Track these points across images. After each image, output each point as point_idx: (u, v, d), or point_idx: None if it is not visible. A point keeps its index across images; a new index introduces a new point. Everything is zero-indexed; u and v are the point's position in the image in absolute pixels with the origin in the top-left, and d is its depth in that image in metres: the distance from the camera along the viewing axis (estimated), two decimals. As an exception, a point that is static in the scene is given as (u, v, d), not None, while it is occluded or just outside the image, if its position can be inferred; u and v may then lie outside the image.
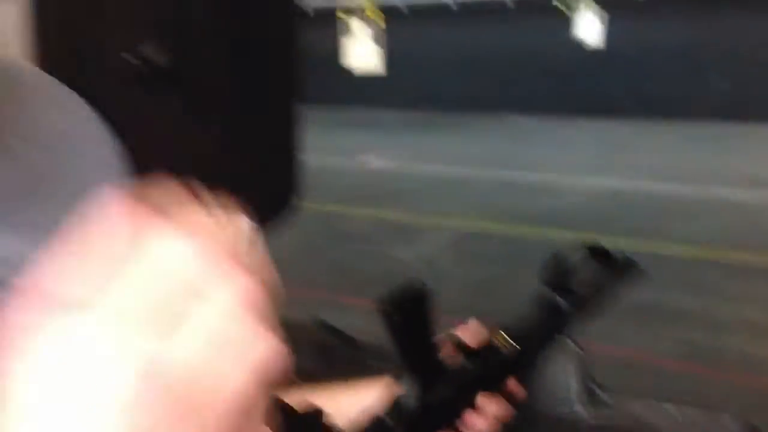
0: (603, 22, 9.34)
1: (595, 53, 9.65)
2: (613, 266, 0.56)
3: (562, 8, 9.57)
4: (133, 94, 1.38)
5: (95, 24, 1.42)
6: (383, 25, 9.30)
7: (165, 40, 1.42)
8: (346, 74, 9.11)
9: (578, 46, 9.58)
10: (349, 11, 9.05)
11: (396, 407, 0.50)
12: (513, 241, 5.45)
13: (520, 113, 10.89)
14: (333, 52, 8.73)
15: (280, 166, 2.09)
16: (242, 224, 0.33)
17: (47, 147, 0.48)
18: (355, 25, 8.39)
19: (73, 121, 0.52)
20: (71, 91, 0.54)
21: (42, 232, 0.35)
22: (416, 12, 10.71)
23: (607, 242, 0.58)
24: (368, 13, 9.27)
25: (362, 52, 9.02)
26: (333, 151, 8.23)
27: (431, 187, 7.32)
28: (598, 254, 0.56)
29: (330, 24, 8.66)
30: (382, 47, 9.29)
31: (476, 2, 10.32)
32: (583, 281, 0.56)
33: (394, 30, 9.07)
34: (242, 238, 0.32)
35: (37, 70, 0.54)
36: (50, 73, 0.51)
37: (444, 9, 10.68)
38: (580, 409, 1.44)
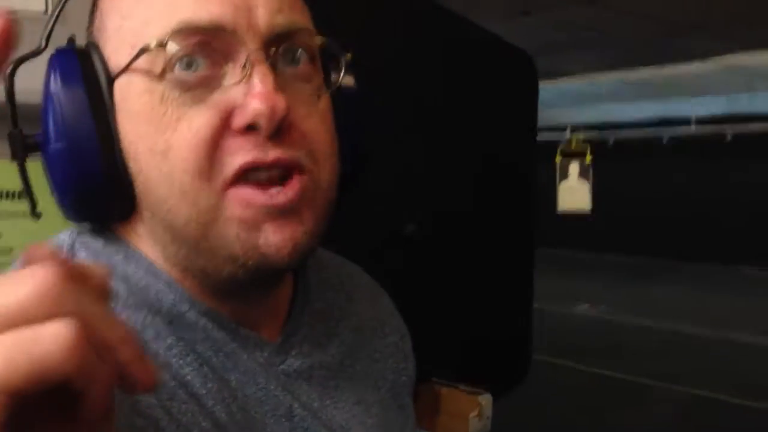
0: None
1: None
2: None
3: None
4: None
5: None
6: (589, 159, 8.91)
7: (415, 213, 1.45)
8: (551, 215, 8.71)
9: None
10: (566, 153, 8.74)
11: None
12: (760, 417, 4.61)
13: (750, 265, 9.84)
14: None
15: (518, 327, 1.83)
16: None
17: (360, 329, 0.66)
18: (572, 168, 8.00)
19: (378, 310, 0.71)
20: (376, 283, 0.74)
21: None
22: (626, 145, 10.22)
23: None
24: (574, 147, 8.94)
25: (568, 189, 8.62)
26: (544, 297, 7.78)
27: (654, 343, 6.59)
28: None
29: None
30: (588, 183, 8.85)
31: (691, 134, 9.61)
32: None
33: (601, 166, 8.60)
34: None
35: (358, 268, 0.74)
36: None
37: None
38: None
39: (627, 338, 6.84)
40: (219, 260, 0.51)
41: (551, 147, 8.11)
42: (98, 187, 0.51)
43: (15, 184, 0.87)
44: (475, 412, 1.07)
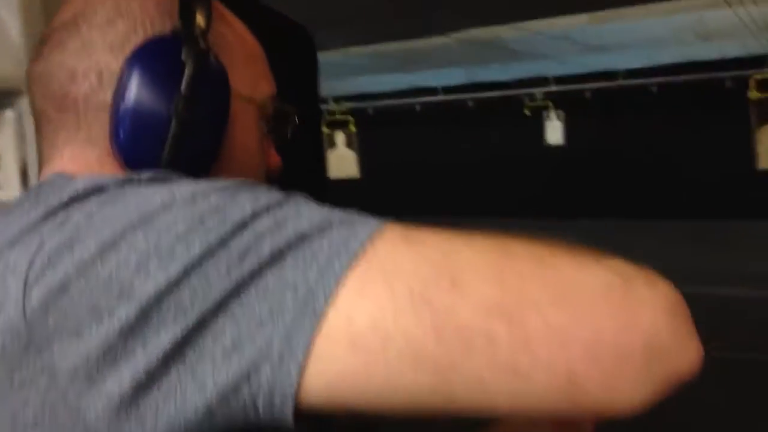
0: (561, 120, 9.61)
1: (561, 153, 9.90)
2: None
3: (527, 110, 9.88)
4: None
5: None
6: (354, 129, 9.47)
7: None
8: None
9: (545, 147, 9.83)
10: (331, 123, 9.21)
11: None
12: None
13: (484, 215, 11.07)
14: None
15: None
16: None
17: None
18: (339, 137, 8.50)
19: None
20: None
21: None
22: (384, 114, 10.98)
23: None
24: (338, 116, 9.42)
25: (337, 157, 9.14)
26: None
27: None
28: None
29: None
30: (355, 151, 9.41)
31: (438, 102, 10.61)
32: None
33: (366, 134, 9.24)
34: None
35: None
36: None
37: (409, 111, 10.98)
38: None
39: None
40: None
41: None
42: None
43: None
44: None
